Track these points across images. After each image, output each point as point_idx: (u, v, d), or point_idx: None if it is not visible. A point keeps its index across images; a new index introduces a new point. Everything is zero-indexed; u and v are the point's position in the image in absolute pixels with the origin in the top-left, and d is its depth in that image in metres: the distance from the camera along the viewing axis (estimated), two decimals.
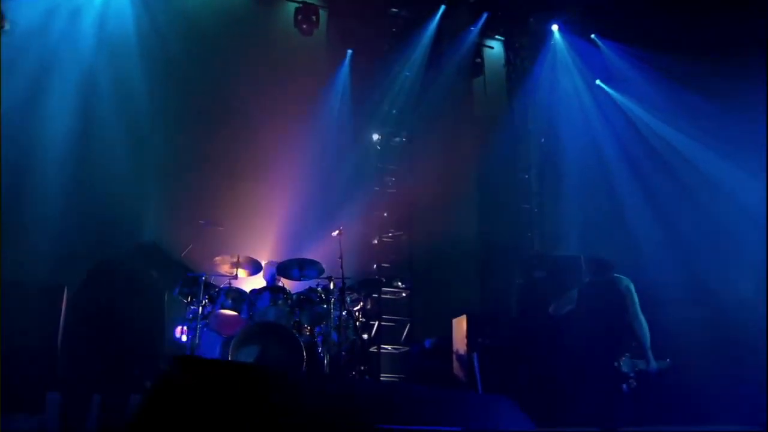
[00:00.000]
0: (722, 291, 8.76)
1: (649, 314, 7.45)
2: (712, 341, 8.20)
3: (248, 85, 9.90)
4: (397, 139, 11.23)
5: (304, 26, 10.86)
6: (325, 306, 7.55)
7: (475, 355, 7.31)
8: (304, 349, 7.00)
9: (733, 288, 8.73)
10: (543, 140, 11.60)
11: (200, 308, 7.30)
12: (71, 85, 7.96)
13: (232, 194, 8.85)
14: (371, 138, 11.03)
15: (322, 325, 7.61)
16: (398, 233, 10.79)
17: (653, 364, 6.66)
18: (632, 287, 6.77)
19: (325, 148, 10.00)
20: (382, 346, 9.80)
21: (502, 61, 12.10)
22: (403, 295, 10.51)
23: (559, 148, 11.20)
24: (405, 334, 10.37)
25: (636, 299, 6.72)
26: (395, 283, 10.34)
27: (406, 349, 10.11)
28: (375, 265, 10.52)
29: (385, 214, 10.86)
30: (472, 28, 11.48)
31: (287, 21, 10.85)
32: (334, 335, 7.49)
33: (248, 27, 10.48)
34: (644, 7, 10.52)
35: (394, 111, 11.20)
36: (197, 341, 7.23)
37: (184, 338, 7.71)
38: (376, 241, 10.71)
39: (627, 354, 6.63)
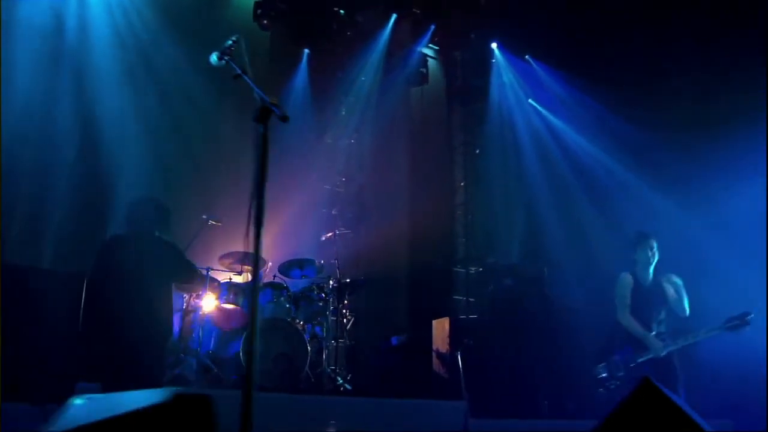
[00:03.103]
0: None
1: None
2: None
3: (212, 77, 9.89)
4: (347, 140, 11.60)
5: (264, 21, 10.93)
6: (321, 304, 7.90)
7: (458, 354, 7.87)
8: (308, 345, 7.32)
9: None
10: (478, 151, 12.35)
11: (203, 301, 7.45)
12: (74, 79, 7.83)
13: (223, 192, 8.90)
14: (325, 138, 11.32)
15: (314, 322, 7.96)
16: (346, 231, 11.15)
17: (658, 350, 6.70)
18: (616, 288, 7.13)
19: (289, 147, 10.18)
20: None
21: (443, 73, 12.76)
22: None
23: (495, 159, 11.99)
24: (348, 329, 10.79)
25: (616, 300, 7.10)
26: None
27: (352, 343, 10.53)
28: (322, 261, 10.82)
29: (334, 212, 11.23)
30: (419, 40, 12.06)
31: (246, 14, 10.88)
32: (327, 332, 7.89)
33: (208, 19, 10.39)
34: (572, 33, 11.45)
35: (343, 112, 11.59)
36: (201, 334, 7.37)
37: None
38: (323, 239, 11.00)
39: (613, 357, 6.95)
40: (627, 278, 7.10)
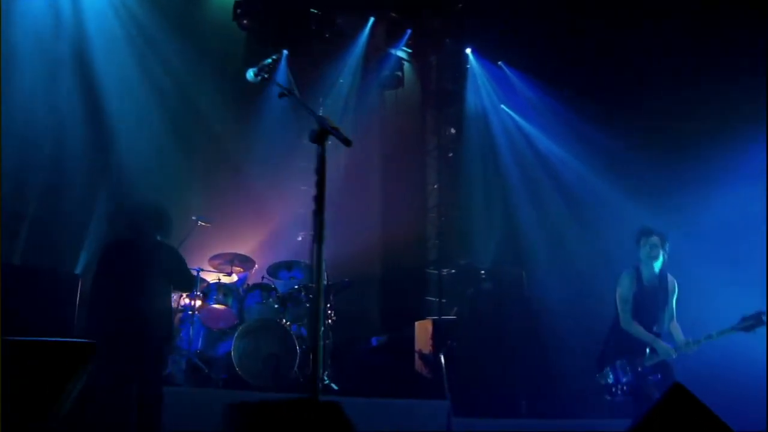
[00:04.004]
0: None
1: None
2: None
3: (195, 78, 9.89)
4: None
5: (244, 21, 10.94)
6: (308, 305, 8.00)
7: (441, 355, 8.03)
8: (297, 346, 7.42)
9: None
10: (451, 155, 12.54)
11: (194, 302, 7.50)
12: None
13: (215, 193, 8.93)
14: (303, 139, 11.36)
15: (300, 323, 8.06)
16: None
17: (669, 354, 6.35)
18: (618, 289, 6.74)
19: (271, 148, 10.24)
20: None
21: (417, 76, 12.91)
22: None
23: (469, 163, 12.18)
24: (331, 329, 10.86)
25: (617, 303, 6.72)
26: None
27: (336, 343, 10.63)
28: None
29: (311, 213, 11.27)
30: (395, 43, 12.21)
31: (225, 14, 10.87)
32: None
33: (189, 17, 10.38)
34: (545, 40, 11.67)
35: (321, 113, 11.62)
36: (191, 333, 7.42)
37: None
38: (300, 239, 11.07)
39: (618, 361, 6.52)
40: (626, 278, 6.76)
